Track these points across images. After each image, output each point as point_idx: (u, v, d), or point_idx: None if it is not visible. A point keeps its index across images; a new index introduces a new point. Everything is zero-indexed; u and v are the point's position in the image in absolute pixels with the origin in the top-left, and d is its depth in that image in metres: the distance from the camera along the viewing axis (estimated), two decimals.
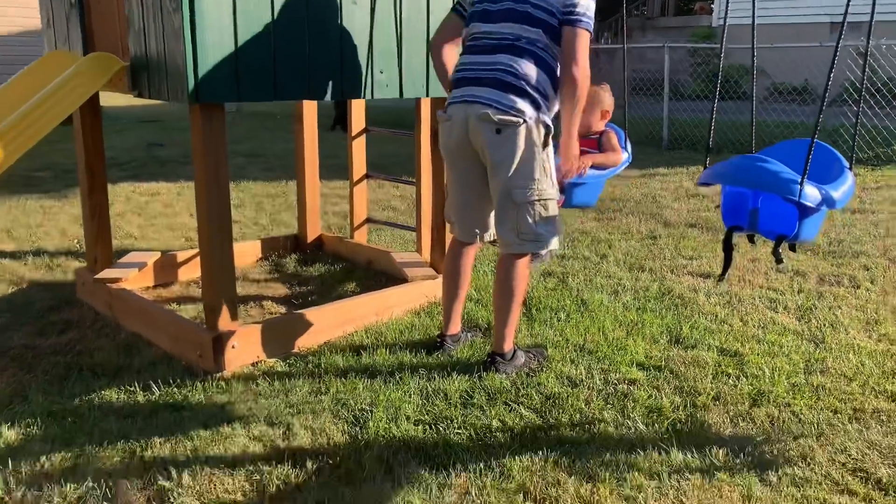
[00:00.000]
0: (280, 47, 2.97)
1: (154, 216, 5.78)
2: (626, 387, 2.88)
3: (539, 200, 2.79)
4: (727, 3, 2.75)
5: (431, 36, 3.48)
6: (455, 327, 3.22)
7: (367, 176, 4.65)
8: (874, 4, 2.58)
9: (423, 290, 3.78)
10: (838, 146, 6.32)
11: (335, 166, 7.21)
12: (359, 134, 4.53)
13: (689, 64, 13.48)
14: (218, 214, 2.95)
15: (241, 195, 6.50)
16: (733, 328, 3.47)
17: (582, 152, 3.21)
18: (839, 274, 4.26)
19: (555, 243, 2.89)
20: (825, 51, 7.57)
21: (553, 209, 2.86)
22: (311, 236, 4.72)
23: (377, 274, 4.26)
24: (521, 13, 2.76)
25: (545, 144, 2.78)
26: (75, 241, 4.95)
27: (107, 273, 3.69)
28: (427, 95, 3.60)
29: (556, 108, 2.84)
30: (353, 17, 3.21)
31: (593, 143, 3.35)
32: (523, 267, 2.91)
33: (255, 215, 5.84)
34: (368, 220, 4.76)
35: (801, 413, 2.68)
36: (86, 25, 3.26)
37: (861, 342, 3.31)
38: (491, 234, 3.05)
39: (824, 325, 3.52)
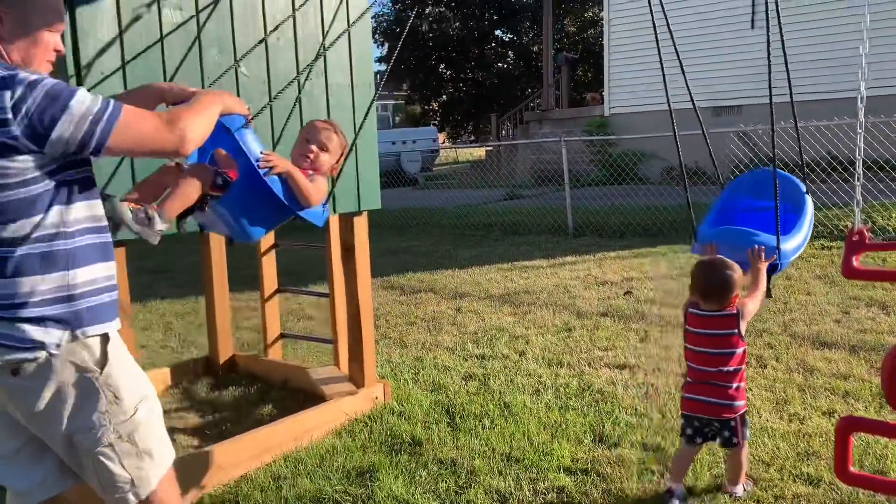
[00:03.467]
0: None
1: None
2: (555, 495, 2.85)
3: (119, 437, 1.93)
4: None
5: None
6: None
7: (278, 290, 4.60)
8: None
9: (343, 408, 3.70)
10: None
11: (247, 277, 7.06)
12: (267, 250, 4.50)
13: (587, 153, 14.12)
14: None
15: (148, 316, 6.27)
16: (653, 421, 3.51)
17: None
18: (747, 354, 4.41)
19: (165, 461, 2.04)
20: (710, 135, 8.11)
21: (141, 435, 1.97)
22: (222, 357, 4.57)
23: (294, 392, 4.14)
24: None
25: (102, 360, 1.90)
26: None
27: None
28: (335, 212, 3.63)
29: (97, 268, 1.90)
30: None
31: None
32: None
33: (164, 338, 5.63)
34: (282, 336, 4.67)
35: None
36: None
37: (774, 424, 3.41)
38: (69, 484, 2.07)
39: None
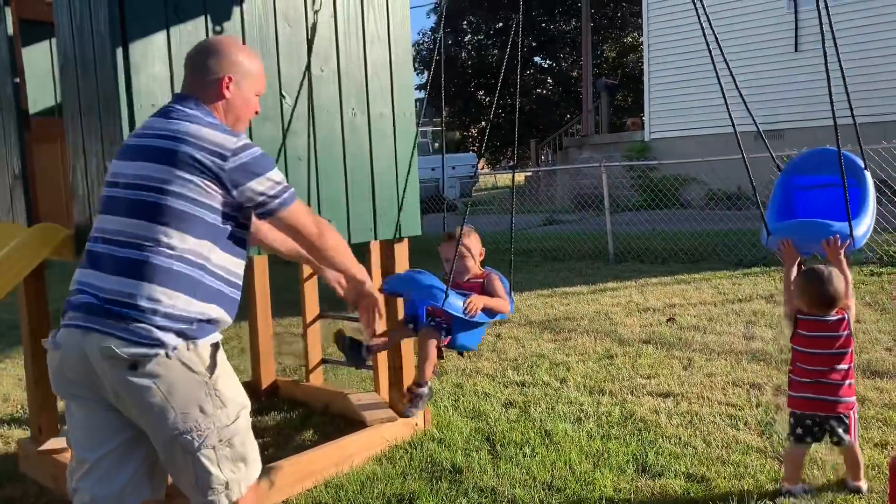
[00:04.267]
0: None
1: None
2: None
3: (220, 441, 2.08)
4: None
5: (376, 184, 3.59)
6: None
7: (320, 316, 4.65)
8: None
9: (383, 434, 3.71)
10: None
11: (288, 301, 7.14)
12: (309, 276, 4.55)
13: (627, 178, 14.04)
14: None
15: None
16: (697, 451, 3.45)
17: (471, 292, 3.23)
18: None
19: (255, 470, 2.22)
20: (752, 159, 8.03)
21: (240, 441, 2.14)
22: (265, 382, 4.63)
23: (335, 418, 4.16)
24: (148, 205, 2.03)
25: (212, 367, 2.07)
26: (19, 406, 4.75)
27: (53, 443, 3.53)
28: (376, 239, 3.67)
29: (220, 313, 2.14)
30: (298, 172, 3.29)
31: (477, 286, 3.26)
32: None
33: None
34: (323, 361, 4.71)
35: None
36: (30, 197, 3.27)
37: (824, 454, 3.31)
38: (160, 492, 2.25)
39: (785, 439, 3.52)
